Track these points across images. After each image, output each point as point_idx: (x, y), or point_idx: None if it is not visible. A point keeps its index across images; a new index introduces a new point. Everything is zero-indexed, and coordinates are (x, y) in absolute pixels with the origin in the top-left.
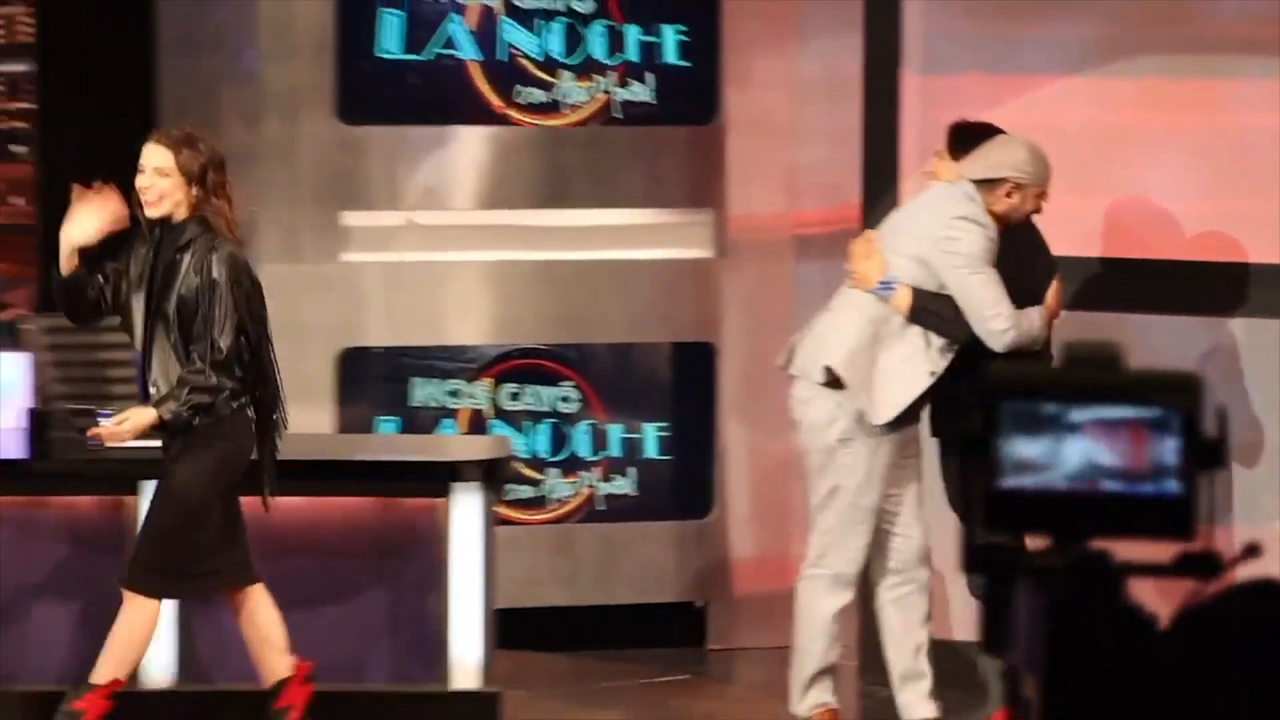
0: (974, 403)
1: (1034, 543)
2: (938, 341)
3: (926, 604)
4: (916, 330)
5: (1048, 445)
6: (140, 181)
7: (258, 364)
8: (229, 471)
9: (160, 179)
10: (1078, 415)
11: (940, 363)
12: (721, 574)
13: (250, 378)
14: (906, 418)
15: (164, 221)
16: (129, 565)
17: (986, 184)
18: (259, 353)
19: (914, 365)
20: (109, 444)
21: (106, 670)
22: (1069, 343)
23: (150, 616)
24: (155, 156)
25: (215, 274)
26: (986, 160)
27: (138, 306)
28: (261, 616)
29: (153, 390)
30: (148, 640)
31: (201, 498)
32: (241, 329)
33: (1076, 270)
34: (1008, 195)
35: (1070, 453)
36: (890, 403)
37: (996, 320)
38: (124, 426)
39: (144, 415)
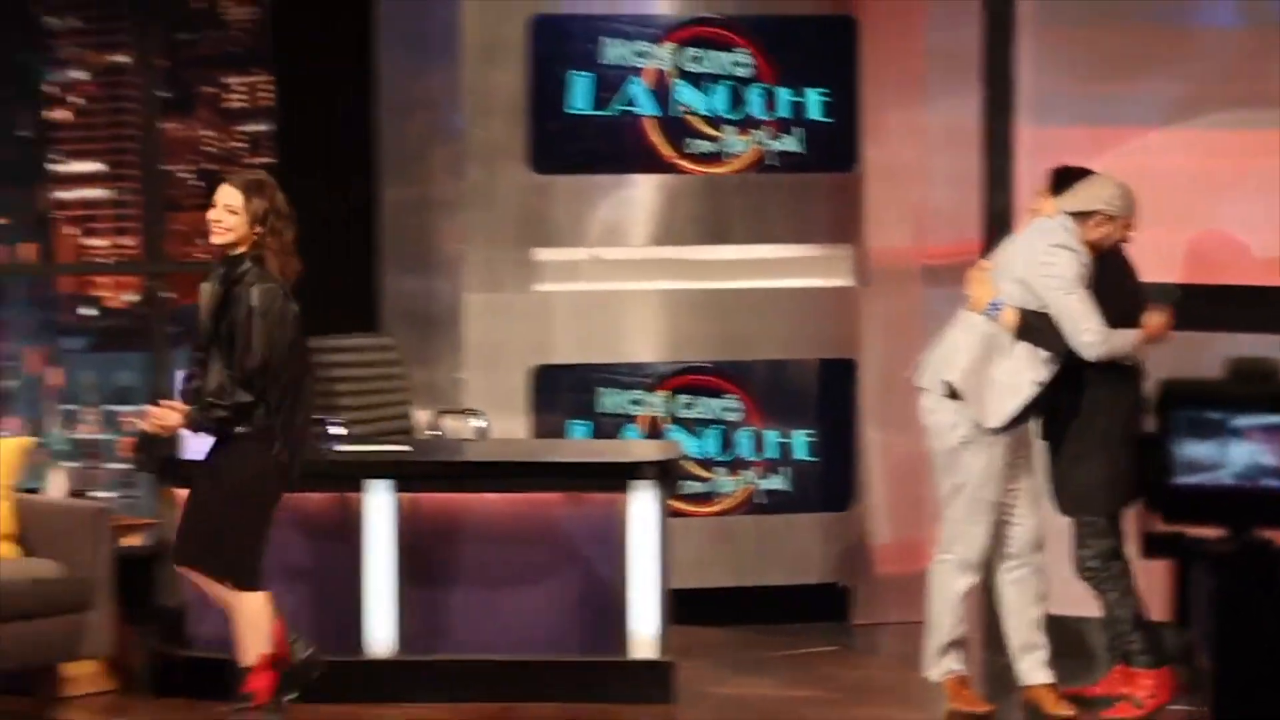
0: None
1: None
2: (1041, 354)
3: (1040, 584)
4: (1023, 345)
5: (1215, 448)
6: (211, 214)
7: (279, 384)
8: (270, 475)
9: (228, 215)
10: (1241, 421)
11: (1044, 373)
12: (863, 558)
13: (276, 394)
14: (1017, 422)
15: (227, 254)
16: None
17: (1080, 216)
18: (281, 374)
19: (1021, 377)
20: (148, 428)
21: (250, 655)
22: (1232, 359)
23: (260, 601)
24: (227, 195)
25: (253, 303)
26: (1080, 196)
27: (205, 326)
28: None
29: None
30: (268, 618)
31: (258, 495)
32: (268, 354)
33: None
34: (1098, 226)
35: (1236, 454)
36: (1001, 411)
37: (1087, 334)
38: (158, 420)
39: (172, 416)
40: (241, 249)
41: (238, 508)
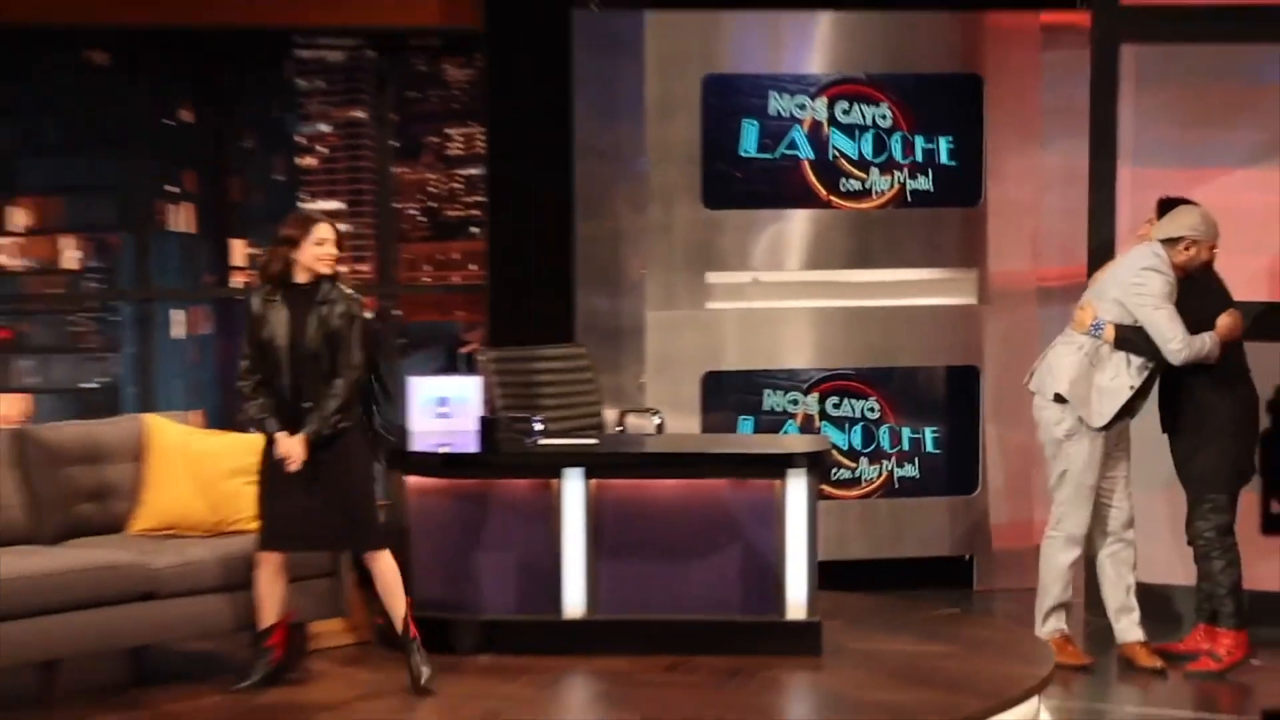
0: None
1: None
2: (1136, 362)
3: (1132, 556)
4: (1120, 355)
5: None
6: (332, 250)
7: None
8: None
9: (336, 248)
10: None
11: (1138, 379)
12: (983, 534)
13: (367, 390)
14: (1116, 420)
15: (293, 284)
16: (363, 539)
17: (1169, 242)
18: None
19: (1119, 381)
20: (291, 468)
21: (399, 612)
22: None
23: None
24: (334, 233)
25: (354, 312)
26: (1170, 225)
27: (282, 349)
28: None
29: (305, 406)
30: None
31: (369, 475)
32: (367, 356)
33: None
34: (1185, 249)
35: None
36: (1103, 412)
37: (1173, 344)
38: (293, 456)
39: (297, 444)
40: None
41: (370, 486)
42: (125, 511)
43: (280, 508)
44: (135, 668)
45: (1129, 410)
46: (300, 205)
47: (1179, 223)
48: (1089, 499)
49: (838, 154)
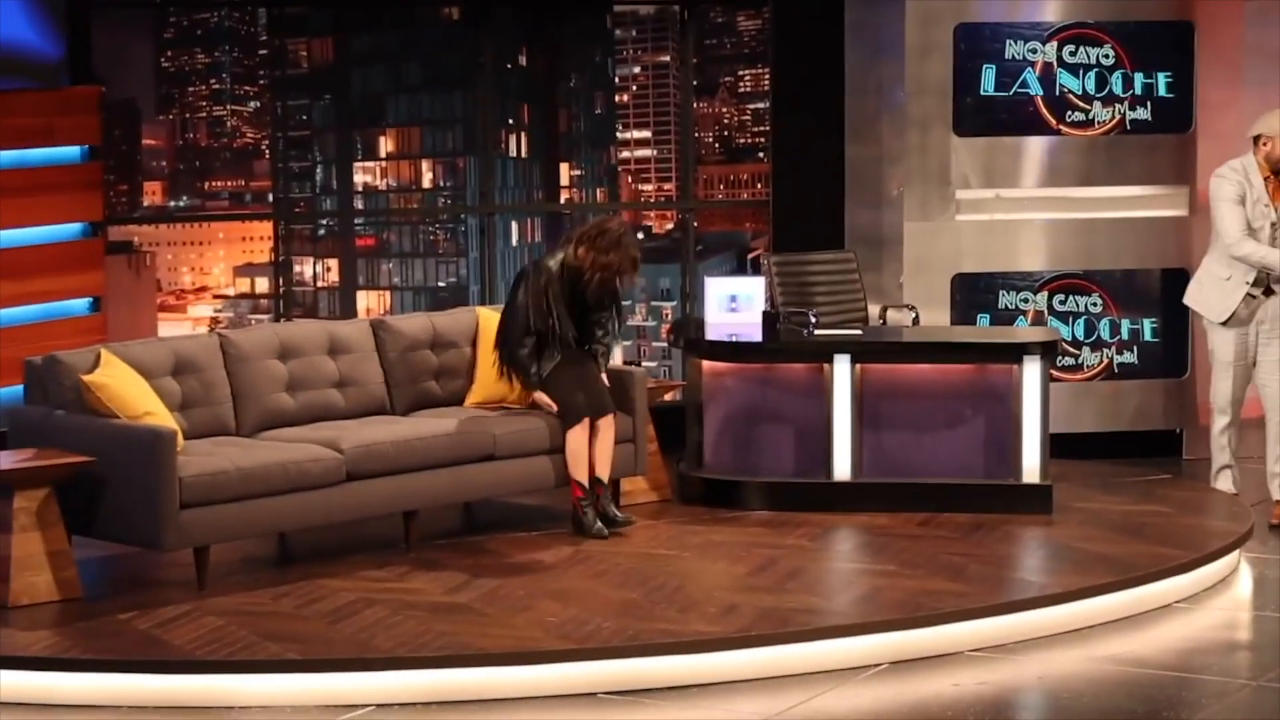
0: None
1: None
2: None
3: None
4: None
5: None
6: None
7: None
8: None
9: None
10: None
11: (1250, 275)
12: (1191, 411)
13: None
14: (1240, 313)
15: None
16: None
17: (1252, 142)
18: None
19: (1233, 281)
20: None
21: (607, 471)
22: None
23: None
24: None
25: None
26: (1252, 126)
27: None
28: (600, 440)
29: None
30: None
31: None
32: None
33: None
34: (1263, 145)
35: None
36: (1221, 309)
37: (1226, 237)
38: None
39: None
40: None
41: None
42: (462, 388)
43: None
44: (469, 518)
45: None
46: (617, 134)
47: (1257, 124)
48: (1227, 376)
49: (1064, 89)
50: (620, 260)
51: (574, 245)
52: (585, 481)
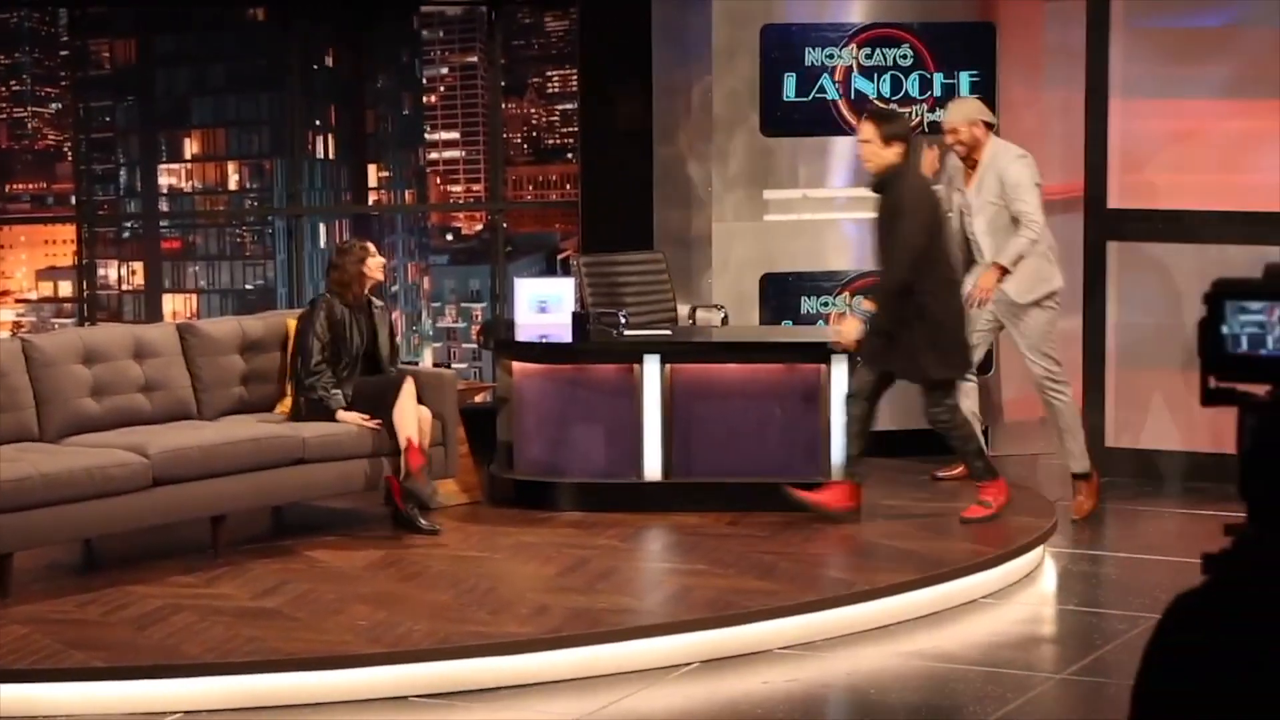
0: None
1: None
2: None
3: None
4: None
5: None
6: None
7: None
8: None
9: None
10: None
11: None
12: (996, 408)
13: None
14: None
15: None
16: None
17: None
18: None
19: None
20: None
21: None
22: (1267, 264)
23: None
24: (865, 131)
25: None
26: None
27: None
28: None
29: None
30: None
31: None
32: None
33: (1230, 221)
34: (950, 134)
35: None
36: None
37: (1040, 220)
38: (843, 335)
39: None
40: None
41: None
42: (272, 393)
43: None
44: (279, 523)
45: None
46: (425, 135)
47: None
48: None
49: (860, 93)
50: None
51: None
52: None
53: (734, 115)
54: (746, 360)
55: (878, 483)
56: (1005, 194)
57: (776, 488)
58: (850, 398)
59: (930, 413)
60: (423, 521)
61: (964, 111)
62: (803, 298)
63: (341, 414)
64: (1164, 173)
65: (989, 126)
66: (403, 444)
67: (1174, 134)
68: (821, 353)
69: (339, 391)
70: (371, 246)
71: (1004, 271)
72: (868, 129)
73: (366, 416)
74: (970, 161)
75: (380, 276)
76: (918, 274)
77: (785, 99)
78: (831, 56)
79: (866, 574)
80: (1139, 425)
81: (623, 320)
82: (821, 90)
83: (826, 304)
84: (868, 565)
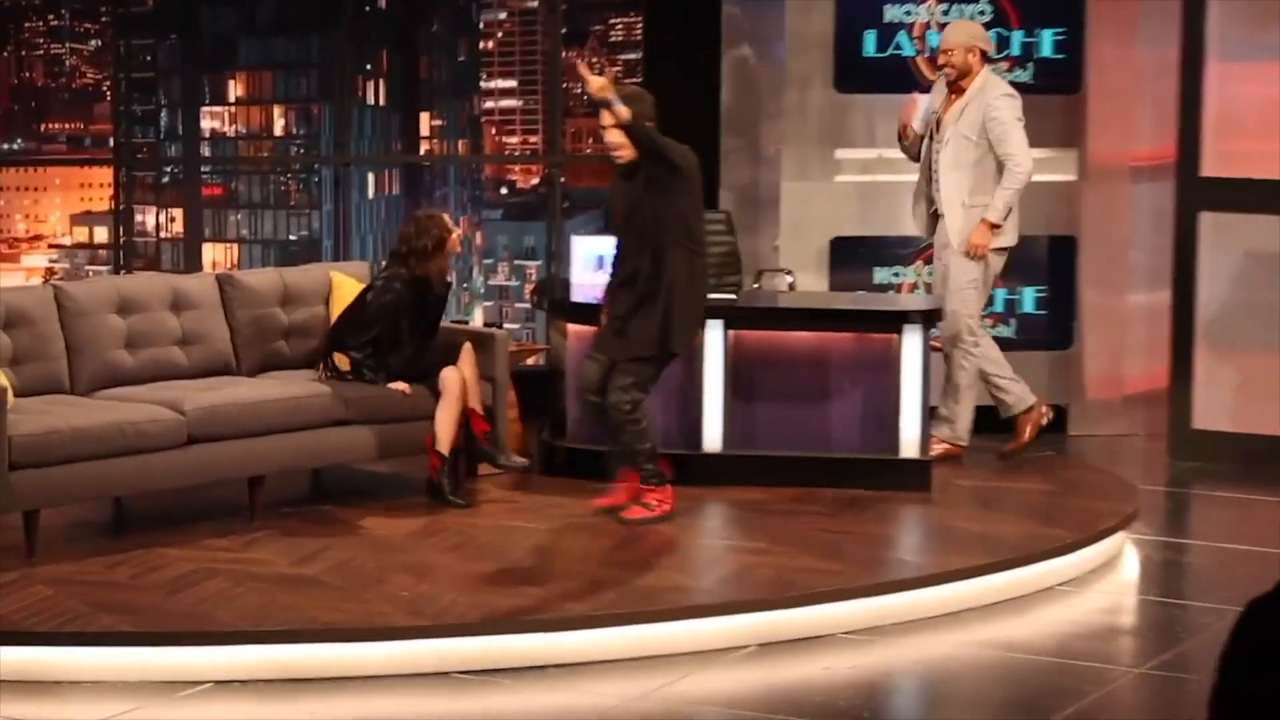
0: None
1: None
2: None
3: None
4: None
5: None
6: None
7: None
8: None
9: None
10: None
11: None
12: (1078, 385)
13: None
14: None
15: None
16: None
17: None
18: None
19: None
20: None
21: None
22: None
23: None
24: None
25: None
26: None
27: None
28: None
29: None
30: None
31: None
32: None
33: None
34: (945, 55)
35: None
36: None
37: (1028, 162)
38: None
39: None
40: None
41: None
42: (314, 350)
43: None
44: (318, 486)
45: None
46: (480, 83)
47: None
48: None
49: (935, 51)
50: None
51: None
52: (446, 449)
53: (807, 69)
54: (814, 328)
55: (950, 461)
56: (989, 132)
57: (844, 463)
58: (591, 395)
59: (614, 394)
60: (452, 496)
61: (965, 32)
62: (875, 266)
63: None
64: (1262, 140)
65: (984, 57)
66: (451, 412)
67: (1273, 100)
68: (894, 322)
69: (384, 372)
70: (448, 219)
71: (994, 227)
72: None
73: (407, 387)
74: (955, 89)
75: (459, 250)
76: (690, 239)
77: (864, 55)
78: (909, 13)
79: (936, 557)
80: (1229, 407)
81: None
82: (898, 47)
83: (898, 274)
84: (938, 548)
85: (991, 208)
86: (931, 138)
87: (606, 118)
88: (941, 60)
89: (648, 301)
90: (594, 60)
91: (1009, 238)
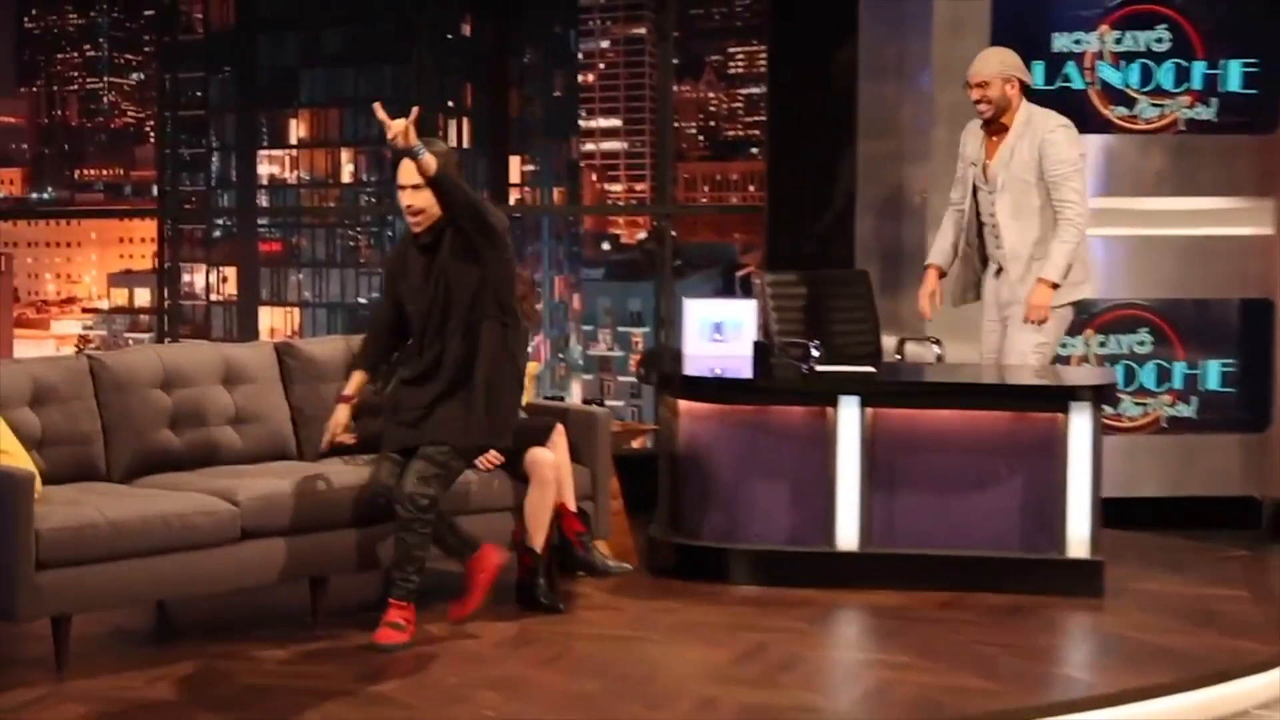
0: None
1: None
2: None
3: None
4: None
5: None
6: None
7: None
8: None
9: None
10: None
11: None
12: (1274, 474)
13: None
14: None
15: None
16: None
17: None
18: None
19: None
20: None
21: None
22: None
23: None
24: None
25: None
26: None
27: None
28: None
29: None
30: None
31: None
32: None
33: None
34: (977, 89)
35: None
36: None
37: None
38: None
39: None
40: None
41: None
42: None
43: None
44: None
45: None
46: (579, 122)
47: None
48: None
49: (1106, 84)
50: None
51: None
52: (539, 546)
53: (958, 105)
54: (966, 406)
55: (1125, 560)
56: (1046, 171)
57: (1001, 563)
58: (382, 496)
59: (411, 484)
60: (546, 600)
61: (999, 61)
62: None
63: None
64: None
65: (1024, 88)
66: (545, 501)
67: None
68: (1059, 399)
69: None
70: (527, 276)
71: (1055, 287)
72: (414, 173)
73: (497, 457)
74: (996, 126)
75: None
76: (504, 312)
77: (1030, 88)
78: (1079, 41)
79: (1110, 674)
80: None
81: (815, 353)
82: (1067, 79)
83: (1065, 345)
84: (1112, 663)
85: (1050, 264)
86: (976, 191)
87: (405, 173)
88: (976, 96)
89: (460, 387)
90: (710, 96)
91: (1080, 290)
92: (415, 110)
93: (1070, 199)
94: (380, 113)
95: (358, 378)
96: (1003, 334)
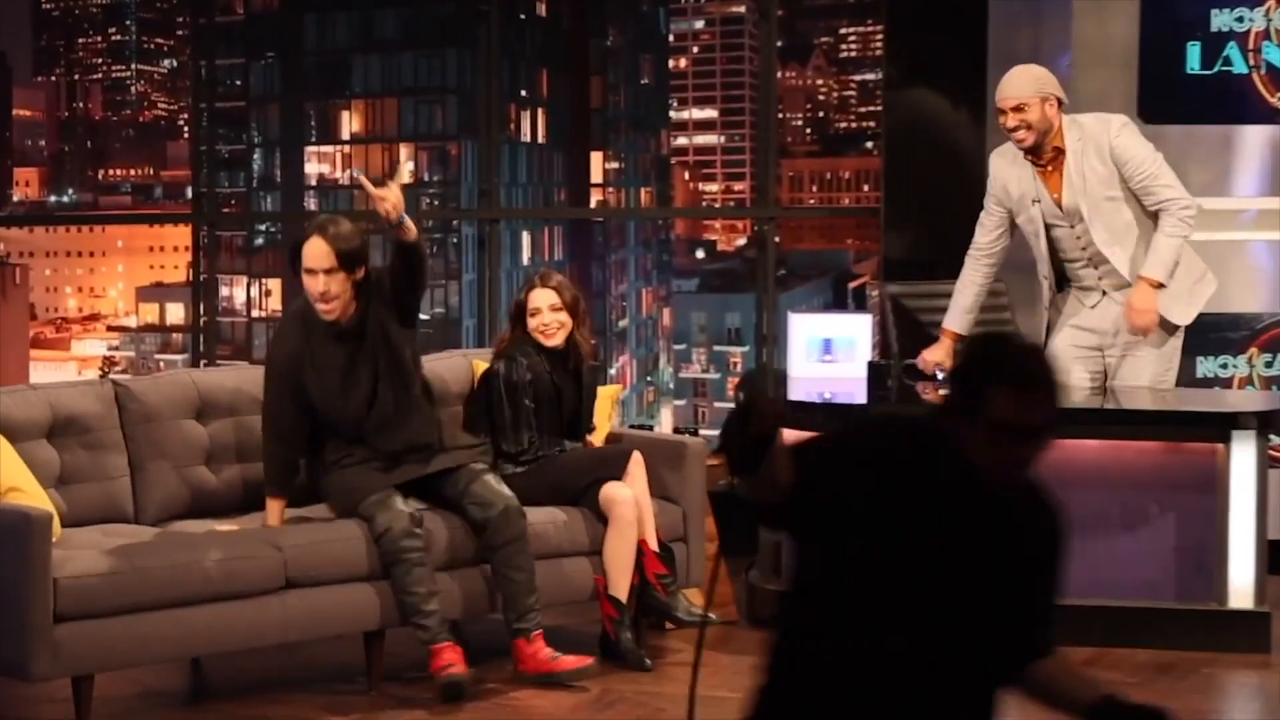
0: None
1: None
2: None
3: None
4: None
5: None
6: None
7: None
8: None
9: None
10: None
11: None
12: None
13: None
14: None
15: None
16: None
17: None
18: None
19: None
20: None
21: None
22: None
23: None
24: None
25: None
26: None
27: None
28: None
29: None
30: None
31: None
32: None
33: None
34: (1012, 113)
35: None
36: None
37: (1185, 198)
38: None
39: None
40: None
41: None
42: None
43: None
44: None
45: None
46: (670, 113)
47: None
48: None
49: (1271, 67)
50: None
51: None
52: (624, 594)
53: (1102, 90)
54: (1111, 435)
55: None
56: (1129, 180)
57: (1153, 614)
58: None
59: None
60: (629, 653)
61: (1033, 79)
62: (1196, 354)
63: None
64: None
65: (1060, 104)
66: (628, 543)
67: None
68: (1220, 426)
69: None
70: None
71: (1160, 286)
72: (328, 255)
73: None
74: (1044, 154)
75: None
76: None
77: (1186, 72)
78: (1241, 19)
79: None
80: None
81: (939, 375)
82: (1228, 62)
83: (1226, 365)
84: None
85: (1156, 260)
86: (1048, 232)
87: (314, 255)
88: (1014, 122)
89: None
90: (819, 83)
91: (1196, 303)
92: (405, 167)
93: (1171, 195)
94: (364, 182)
95: (277, 508)
96: (1102, 363)
